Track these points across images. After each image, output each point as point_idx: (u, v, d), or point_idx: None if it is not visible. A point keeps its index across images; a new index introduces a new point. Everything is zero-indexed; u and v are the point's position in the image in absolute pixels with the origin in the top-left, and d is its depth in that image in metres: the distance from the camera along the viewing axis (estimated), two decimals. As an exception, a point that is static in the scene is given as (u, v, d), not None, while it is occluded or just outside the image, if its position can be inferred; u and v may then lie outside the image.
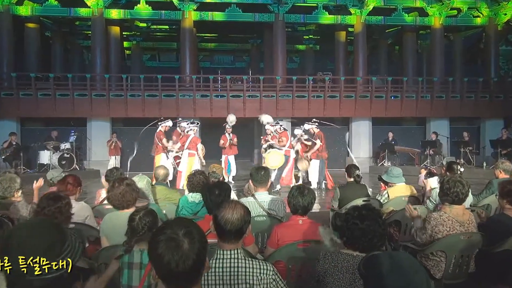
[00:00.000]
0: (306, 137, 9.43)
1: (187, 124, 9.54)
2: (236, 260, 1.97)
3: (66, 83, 13.12)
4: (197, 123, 9.66)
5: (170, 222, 1.42)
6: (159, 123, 9.64)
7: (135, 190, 3.07)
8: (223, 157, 10.41)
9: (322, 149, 9.20)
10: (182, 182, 8.34)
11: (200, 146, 9.15)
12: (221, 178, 4.60)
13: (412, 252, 3.11)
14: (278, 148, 9.04)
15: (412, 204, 3.70)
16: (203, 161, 9.22)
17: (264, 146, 9.34)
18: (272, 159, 8.73)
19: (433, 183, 4.50)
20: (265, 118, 9.81)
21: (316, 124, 9.35)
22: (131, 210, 2.87)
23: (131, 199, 3.00)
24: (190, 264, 1.30)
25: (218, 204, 2.28)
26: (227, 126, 10.31)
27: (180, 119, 10.53)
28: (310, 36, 18.88)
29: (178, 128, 10.04)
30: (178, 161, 9.34)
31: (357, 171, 4.78)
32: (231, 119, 10.33)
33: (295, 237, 2.81)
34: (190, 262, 1.30)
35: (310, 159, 9.33)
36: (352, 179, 4.77)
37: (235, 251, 2.00)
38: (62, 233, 1.41)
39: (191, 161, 8.89)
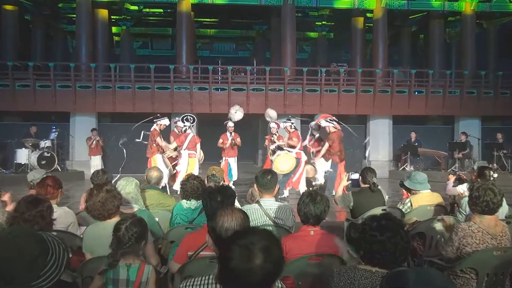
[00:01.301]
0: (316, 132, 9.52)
1: (181, 120, 9.50)
2: (239, 275, 1.97)
3: (48, 73, 13.15)
4: (193, 119, 9.55)
5: (255, 229, 1.52)
6: (154, 120, 9.65)
7: (117, 197, 3.07)
8: (223, 159, 10.41)
9: (333, 152, 9.19)
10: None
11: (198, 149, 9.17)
12: (221, 182, 4.60)
13: (439, 269, 3.09)
14: (288, 150, 9.03)
15: (439, 215, 3.68)
16: (201, 161, 9.26)
17: (272, 147, 9.34)
18: (281, 163, 8.72)
19: (464, 191, 4.48)
20: (271, 114, 9.82)
21: (334, 123, 9.32)
22: (115, 219, 2.88)
23: (112, 208, 3.01)
24: (255, 282, 1.37)
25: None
26: (228, 124, 10.31)
27: (177, 118, 10.51)
28: (323, 22, 18.85)
29: (175, 129, 10.02)
30: (173, 163, 9.35)
31: (374, 178, 4.70)
32: (232, 110, 10.28)
33: (305, 250, 2.80)
34: (255, 279, 1.37)
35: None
36: (366, 185, 4.72)
37: (238, 265, 2.00)
38: (43, 242, 1.39)
39: (192, 163, 8.94)
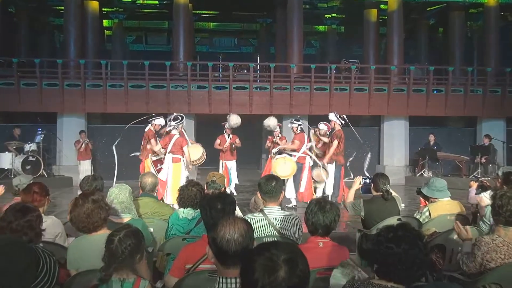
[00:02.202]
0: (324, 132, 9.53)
1: (169, 120, 9.29)
2: (242, 291, 1.98)
3: (33, 69, 13.21)
4: (181, 118, 9.30)
5: (278, 242, 1.57)
6: (148, 120, 9.62)
7: (103, 208, 3.06)
8: (221, 163, 10.39)
9: (338, 151, 9.19)
10: (170, 196, 8.18)
11: (200, 150, 9.02)
12: (222, 189, 4.61)
13: (460, 284, 3.09)
14: (288, 154, 9.01)
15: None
16: (190, 166, 9.00)
17: (274, 150, 9.35)
18: (280, 168, 8.71)
19: (487, 199, 4.47)
20: (270, 123, 9.82)
21: (343, 122, 9.32)
22: (103, 232, 2.89)
23: (98, 220, 3.00)
24: None
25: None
26: (226, 125, 10.34)
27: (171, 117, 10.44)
28: (333, 14, 18.89)
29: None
30: (159, 167, 9.13)
31: (387, 185, 4.67)
32: (233, 122, 10.25)
33: (314, 263, 2.78)
34: None
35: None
36: (379, 193, 4.70)
37: (241, 279, 2.01)
38: (32, 252, 1.41)
39: (177, 169, 8.58)
